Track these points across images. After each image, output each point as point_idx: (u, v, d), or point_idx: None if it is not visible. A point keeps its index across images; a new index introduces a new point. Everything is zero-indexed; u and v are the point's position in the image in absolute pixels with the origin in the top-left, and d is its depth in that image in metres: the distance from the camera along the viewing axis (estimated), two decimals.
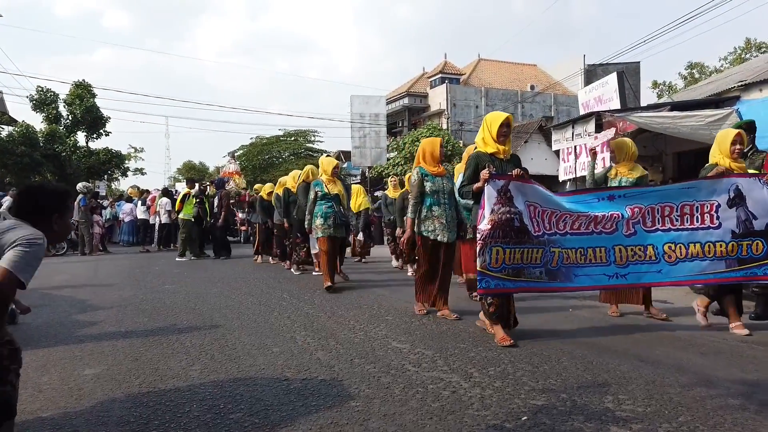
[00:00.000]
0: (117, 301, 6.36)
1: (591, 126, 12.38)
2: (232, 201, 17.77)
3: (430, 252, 5.32)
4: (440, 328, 4.79)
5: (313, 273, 8.76)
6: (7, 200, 12.38)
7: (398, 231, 8.18)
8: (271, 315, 5.44)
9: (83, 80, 28.04)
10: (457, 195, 6.97)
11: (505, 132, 4.53)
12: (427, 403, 2.94)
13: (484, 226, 4.14)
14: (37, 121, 28.98)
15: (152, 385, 3.29)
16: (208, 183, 15.72)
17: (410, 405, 2.91)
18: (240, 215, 17.86)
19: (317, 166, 8.60)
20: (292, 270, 9.31)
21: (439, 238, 5.24)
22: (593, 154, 6.27)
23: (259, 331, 4.71)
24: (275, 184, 10.83)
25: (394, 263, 10.28)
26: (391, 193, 10.25)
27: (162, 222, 14.40)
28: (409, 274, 8.90)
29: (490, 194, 4.18)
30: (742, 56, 33.81)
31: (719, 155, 4.76)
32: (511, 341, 4.11)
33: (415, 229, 5.34)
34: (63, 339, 4.53)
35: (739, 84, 11.28)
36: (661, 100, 23.90)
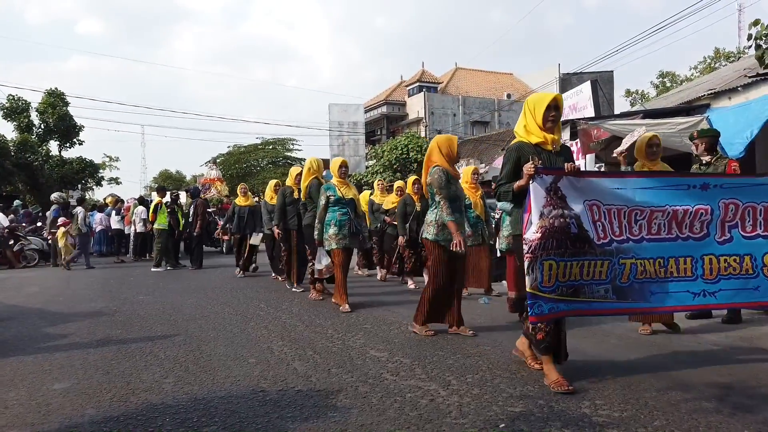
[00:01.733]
0: (90, 313, 6.21)
1: (566, 133, 12.53)
2: (213, 209, 17.41)
3: (447, 263, 4.68)
4: (418, 335, 4.77)
5: (314, 295, 7.08)
6: (80, 210, 12.86)
7: (400, 240, 7.73)
8: (248, 325, 5.37)
9: (56, 88, 27.58)
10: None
11: (553, 117, 3.58)
12: (404, 412, 2.91)
13: (532, 234, 3.26)
14: (8, 130, 28.40)
15: (123, 399, 3.21)
16: (175, 191, 15.36)
17: (388, 414, 2.88)
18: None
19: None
20: (290, 285, 8.02)
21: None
22: (623, 157, 5.49)
23: (236, 342, 4.63)
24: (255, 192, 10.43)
25: (379, 275, 9.24)
26: (378, 198, 9.41)
27: (137, 231, 14.13)
28: (411, 286, 8.07)
29: (537, 194, 3.31)
30: (712, 65, 34.64)
31: None
32: (569, 386, 3.20)
33: (431, 236, 4.69)
34: (32, 352, 4.40)
35: (709, 92, 11.54)
36: (634, 108, 24.33)
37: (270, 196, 9.00)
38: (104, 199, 17.54)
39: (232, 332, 5.04)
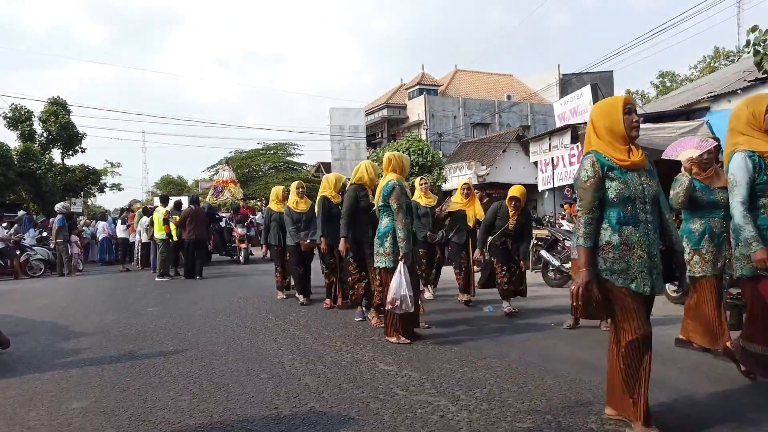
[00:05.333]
0: (100, 327, 6.30)
1: (567, 138, 12.67)
2: (229, 214, 16.53)
3: (632, 310, 2.82)
4: (426, 347, 4.85)
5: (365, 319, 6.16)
6: (145, 220, 13.40)
7: (477, 253, 6.68)
8: (257, 338, 5.45)
9: (58, 97, 27.71)
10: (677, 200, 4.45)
11: None
12: (416, 428, 2.99)
13: None
14: (11, 139, 28.46)
15: (142, 418, 3.30)
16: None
17: (400, 431, 2.96)
18: (239, 231, 15.52)
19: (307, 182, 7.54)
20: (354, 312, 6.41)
21: (633, 286, 2.80)
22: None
23: (246, 356, 4.72)
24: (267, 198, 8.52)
25: (428, 294, 7.71)
26: (423, 200, 7.58)
27: (143, 241, 14.20)
28: (506, 309, 6.43)
29: None
30: (712, 65, 34.75)
31: None
32: None
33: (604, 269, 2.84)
34: (47, 369, 4.49)
35: (709, 95, 11.63)
36: None
37: (294, 201, 7.68)
38: (131, 205, 17.27)
39: (242, 346, 5.13)
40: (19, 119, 26.74)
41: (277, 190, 8.57)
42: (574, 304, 2.78)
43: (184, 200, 13.82)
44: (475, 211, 7.24)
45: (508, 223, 6.39)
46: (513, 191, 6.49)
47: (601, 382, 3.69)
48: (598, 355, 4.51)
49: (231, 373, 4.22)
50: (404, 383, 3.82)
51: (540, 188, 15.38)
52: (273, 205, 8.36)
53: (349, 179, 6.53)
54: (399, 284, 4.88)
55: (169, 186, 57.62)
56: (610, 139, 2.89)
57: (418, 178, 8.11)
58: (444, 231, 7.51)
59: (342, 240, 5.92)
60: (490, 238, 6.57)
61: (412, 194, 7.19)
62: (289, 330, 5.81)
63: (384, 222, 5.21)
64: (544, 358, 4.40)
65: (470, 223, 7.22)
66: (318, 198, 6.97)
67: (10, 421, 3.32)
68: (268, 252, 8.78)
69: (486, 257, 6.69)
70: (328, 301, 7.17)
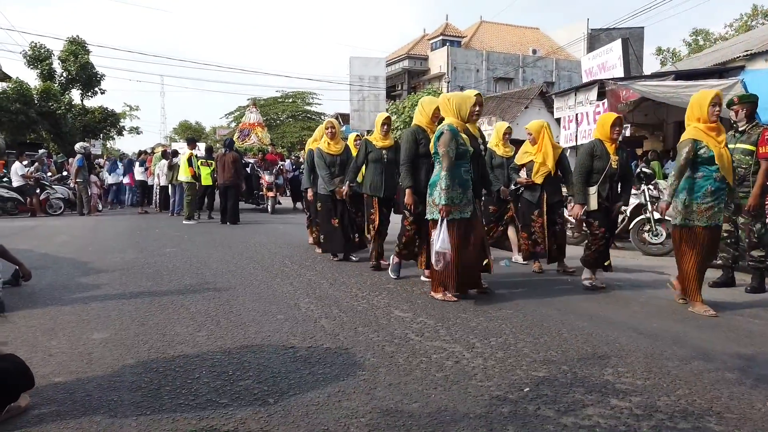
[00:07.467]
0: (120, 264, 6.39)
1: (593, 94, 12.28)
2: (254, 160, 15.53)
3: None
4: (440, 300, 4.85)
5: (422, 278, 5.59)
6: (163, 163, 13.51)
7: (576, 209, 5.27)
8: (274, 281, 5.49)
9: (77, 36, 27.50)
10: None
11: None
12: (431, 372, 3.00)
13: None
14: (31, 78, 28.44)
15: (161, 351, 3.35)
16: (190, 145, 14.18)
17: (415, 374, 2.98)
18: (267, 178, 14.44)
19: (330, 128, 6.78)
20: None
21: None
22: None
23: (263, 298, 4.76)
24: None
25: (517, 257, 6.74)
26: (500, 149, 6.72)
27: (161, 184, 14.30)
28: (587, 282, 5.35)
29: None
30: (748, 23, 33.32)
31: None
32: None
33: None
34: (69, 302, 4.57)
35: (745, 53, 11.17)
36: (665, 68, 23.65)
37: (326, 141, 6.82)
38: (153, 149, 17.31)
39: (259, 288, 5.17)
40: (38, 58, 26.67)
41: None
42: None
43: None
44: (544, 159, 6.02)
45: (611, 160, 5.07)
46: (610, 115, 5.19)
47: (618, 336, 3.69)
48: (616, 311, 4.51)
49: (248, 312, 4.26)
50: (419, 329, 3.83)
51: (562, 146, 15.08)
52: (324, 146, 6.93)
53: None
54: (437, 238, 4.48)
55: (188, 132, 57.69)
56: None
57: (504, 125, 6.99)
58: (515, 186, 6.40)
59: (408, 192, 5.22)
60: (591, 189, 5.12)
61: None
62: (305, 275, 5.84)
63: (435, 170, 4.76)
64: (561, 312, 4.37)
65: (538, 179, 6.07)
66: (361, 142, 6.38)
67: (32, 348, 3.39)
68: (302, 202, 7.83)
69: (583, 216, 5.32)
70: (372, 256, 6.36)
